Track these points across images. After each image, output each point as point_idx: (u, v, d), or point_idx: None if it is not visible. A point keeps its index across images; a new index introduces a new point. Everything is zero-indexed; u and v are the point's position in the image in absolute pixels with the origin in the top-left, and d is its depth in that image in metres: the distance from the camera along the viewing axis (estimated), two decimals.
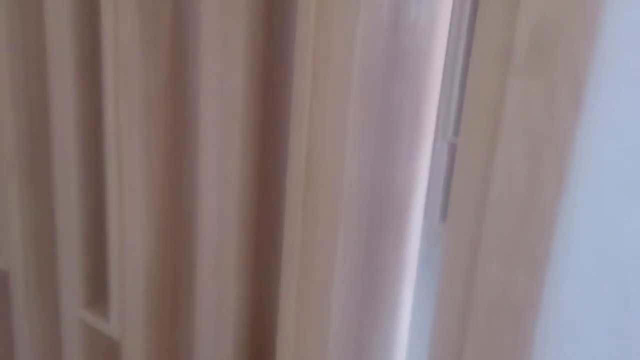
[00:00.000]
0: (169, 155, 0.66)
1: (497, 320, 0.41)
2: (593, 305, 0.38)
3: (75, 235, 0.75)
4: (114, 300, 0.72)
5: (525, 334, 0.40)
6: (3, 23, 0.72)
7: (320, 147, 0.53)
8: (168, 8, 0.61)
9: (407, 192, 0.56)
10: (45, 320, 0.86)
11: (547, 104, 0.36)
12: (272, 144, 0.62)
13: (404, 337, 0.62)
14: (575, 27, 0.36)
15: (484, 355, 0.42)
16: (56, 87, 0.71)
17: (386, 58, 0.51)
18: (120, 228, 0.69)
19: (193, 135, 0.64)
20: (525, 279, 0.39)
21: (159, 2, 0.60)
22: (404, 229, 0.58)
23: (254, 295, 0.67)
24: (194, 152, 0.65)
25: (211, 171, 0.62)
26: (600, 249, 0.37)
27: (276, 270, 0.64)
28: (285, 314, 0.58)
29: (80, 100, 0.70)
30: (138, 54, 0.61)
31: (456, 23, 0.52)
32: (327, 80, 0.50)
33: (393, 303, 0.58)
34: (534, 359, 0.40)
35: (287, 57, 0.56)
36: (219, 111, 0.58)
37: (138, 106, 0.63)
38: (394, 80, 0.51)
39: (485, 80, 0.39)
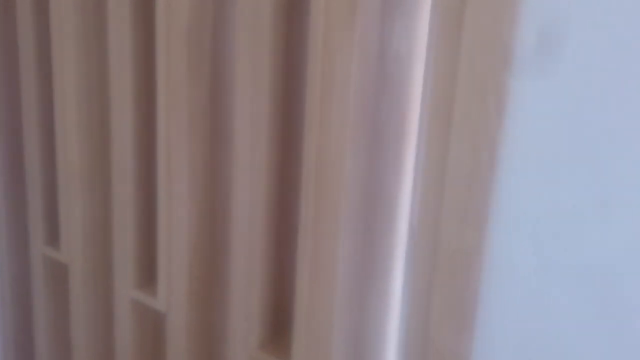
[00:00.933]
0: (209, 159, 0.83)
1: (454, 264, 0.57)
2: (517, 250, 0.54)
3: (129, 228, 0.92)
4: (162, 280, 0.89)
5: (475, 272, 0.56)
6: (71, 52, 0.90)
7: (326, 151, 0.70)
8: (208, 43, 0.78)
9: (394, 186, 0.73)
10: (99, 301, 1.02)
11: (481, 109, 0.53)
12: (290, 149, 0.79)
13: (397, 303, 0.78)
14: (497, 59, 0.53)
15: (446, 291, 0.58)
16: (116, 101, 0.88)
17: (376, 81, 0.68)
18: (168, 220, 0.86)
19: (228, 142, 0.81)
20: (473, 233, 0.55)
21: (201, 39, 0.78)
22: (393, 214, 0.74)
23: (277, 273, 0.83)
24: (229, 156, 0.82)
25: (243, 172, 0.78)
26: (521, 210, 0.54)
27: (294, 252, 0.80)
28: (301, 285, 0.75)
29: (136, 113, 0.87)
30: (185, 80, 0.78)
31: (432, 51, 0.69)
32: (331, 100, 0.67)
33: (386, 266, 0.74)
34: (481, 290, 0.56)
35: (302, 83, 0.74)
36: (249, 123, 0.75)
37: (184, 119, 0.80)
38: (382, 100, 0.68)
39: (441, 97, 0.56)
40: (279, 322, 0.84)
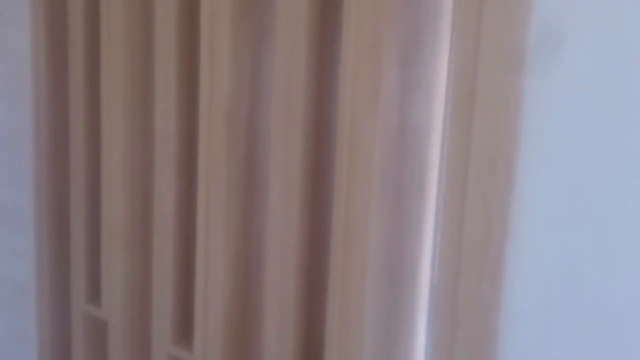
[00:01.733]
0: (244, 223, 0.91)
1: (473, 317, 0.63)
2: (528, 302, 0.60)
3: (167, 286, 0.99)
4: (198, 335, 0.95)
5: (492, 324, 0.62)
6: (119, 124, 0.99)
7: (353, 216, 0.77)
8: (245, 121, 0.87)
9: (415, 246, 0.79)
10: (136, 357, 1.08)
11: (493, 177, 0.61)
12: (319, 215, 0.86)
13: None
14: (506, 132, 0.60)
15: (467, 342, 0.64)
16: (159, 168, 0.97)
17: (397, 151, 0.75)
18: (205, 279, 0.93)
19: (263, 208, 0.89)
20: (488, 289, 0.61)
21: (239, 117, 0.87)
22: (415, 272, 0.80)
23: (308, 328, 0.89)
24: (264, 220, 0.89)
25: (275, 234, 0.85)
26: (531, 266, 0.60)
27: (324, 308, 0.86)
28: (331, 339, 0.80)
29: (178, 179, 0.95)
30: (224, 153, 0.87)
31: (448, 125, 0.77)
32: (358, 169, 0.75)
33: (410, 320, 0.80)
34: (499, 342, 0.62)
35: (331, 153, 0.81)
36: (282, 192, 0.83)
37: (223, 188, 0.88)
38: (404, 168, 0.76)
39: (456, 165, 0.63)
40: None
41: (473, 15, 0.62)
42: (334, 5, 0.80)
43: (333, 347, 0.80)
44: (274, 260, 0.86)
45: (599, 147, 0.57)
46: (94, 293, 1.13)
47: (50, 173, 1.14)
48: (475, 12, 0.62)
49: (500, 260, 0.61)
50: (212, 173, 0.89)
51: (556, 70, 0.58)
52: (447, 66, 0.76)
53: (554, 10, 0.58)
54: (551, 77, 0.58)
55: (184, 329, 1.01)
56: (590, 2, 0.55)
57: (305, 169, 0.83)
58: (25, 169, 1.17)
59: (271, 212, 0.85)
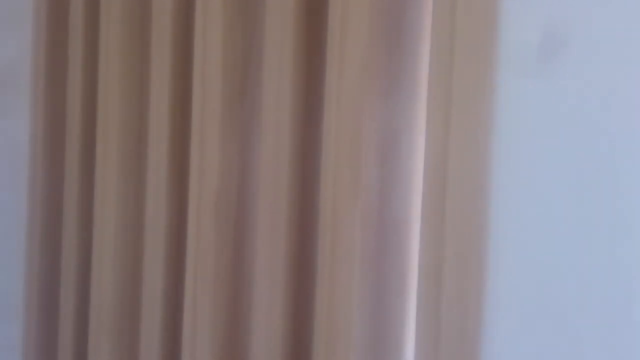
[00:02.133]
0: (230, 314, 0.92)
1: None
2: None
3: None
4: None
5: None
6: (111, 223, 1.02)
7: (336, 304, 0.79)
8: (234, 211, 0.90)
9: (397, 337, 0.81)
10: None
11: (465, 273, 0.63)
12: (304, 308, 0.87)
13: None
14: (477, 225, 0.64)
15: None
16: (149, 269, 0.99)
17: (377, 241, 0.78)
18: None
19: (249, 301, 0.90)
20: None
21: (228, 206, 0.90)
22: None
23: None
24: (249, 313, 0.90)
25: (260, 326, 0.87)
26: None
27: None
28: None
29: (166, 276, 0.97)
30: (212, 246, 0.90)
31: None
32: (340, 260, 0.77)
33: None
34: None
35: (315, 245, 0.84)
36: (269, 284, 0.85)
37: (210, 280, 0.90)
38: (384, 258, 0.79)
39: (431, 259, 0.66)
40: None
41: (443, 117, 0.68)
42: (317, 101, 0.86)
43: None
44: (260, 352, 0.87)
45: (565, 253, 0.60)
46: None
47: (42, 264, 1.16)
48: (444, 117, 0.68)
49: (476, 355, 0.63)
50: (200, 265, 0.91)
51: (524, 183, 0.63)
52: (423, 162, 0.80)
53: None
54: (517, 186, 0.62)
55: None
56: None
57: (290, 257, 0.85)
58: (17, 259, 1.18)
59: (257, 303, 0.87)
